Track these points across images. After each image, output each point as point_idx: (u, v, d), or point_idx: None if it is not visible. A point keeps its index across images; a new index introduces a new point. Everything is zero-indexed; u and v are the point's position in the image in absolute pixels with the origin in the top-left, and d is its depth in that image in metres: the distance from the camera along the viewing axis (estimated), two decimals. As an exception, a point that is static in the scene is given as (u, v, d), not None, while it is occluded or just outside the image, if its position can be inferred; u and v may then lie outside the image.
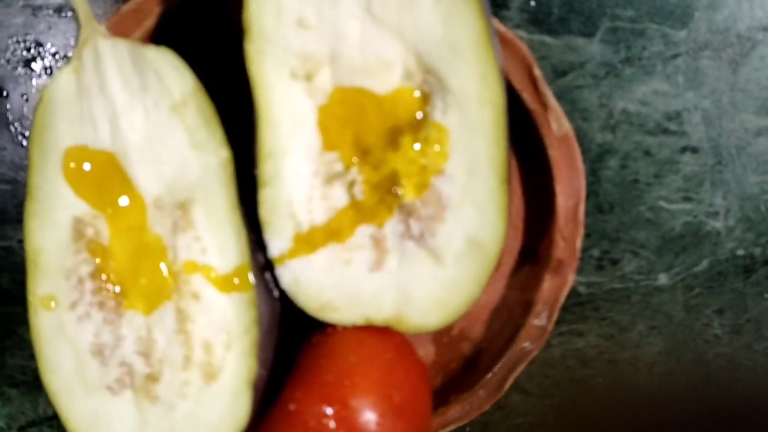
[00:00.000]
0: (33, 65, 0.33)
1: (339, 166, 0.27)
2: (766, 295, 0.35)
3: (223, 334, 0.27)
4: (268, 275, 0.29)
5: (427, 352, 0.35)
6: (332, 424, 0.27)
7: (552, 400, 0.36)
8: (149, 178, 0.28)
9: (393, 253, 0.28)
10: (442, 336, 0.35)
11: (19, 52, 0.33)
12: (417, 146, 0.27)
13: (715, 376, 0.36)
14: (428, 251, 0.28)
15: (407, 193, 0.27)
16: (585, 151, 0.34)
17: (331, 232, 0.28)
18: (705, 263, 0.35)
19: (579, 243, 0.32)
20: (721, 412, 0.36)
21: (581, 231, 0.32)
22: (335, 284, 0.28)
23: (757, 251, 0.35)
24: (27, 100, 0.33)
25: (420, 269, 0.28)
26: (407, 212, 0.28)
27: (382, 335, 0.29)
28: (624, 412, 0.36)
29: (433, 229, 0.27)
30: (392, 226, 0.28)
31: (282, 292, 0.29)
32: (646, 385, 0.36)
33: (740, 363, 0.36)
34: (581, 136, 0.33)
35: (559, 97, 0.33)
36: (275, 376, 0.30)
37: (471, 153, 0.26)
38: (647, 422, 0.36)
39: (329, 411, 0.27)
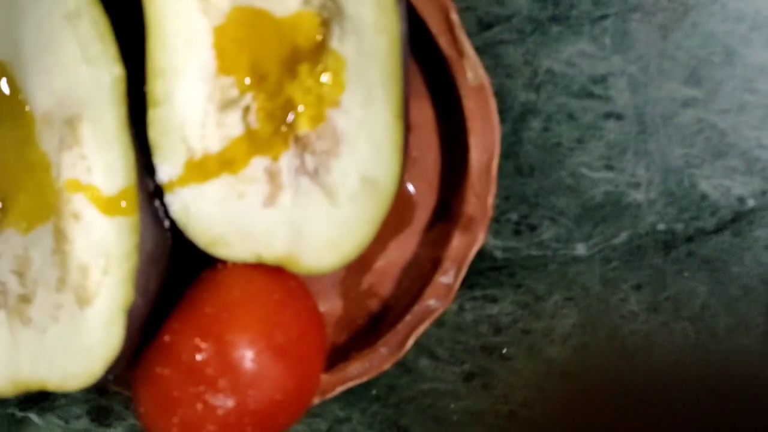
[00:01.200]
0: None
1: (234, 92, 0.26)
2: (686, 274, 0.34)
3: (102, 259, 0.26)
4: (158, 203, 0.28)
5: (333, 306, 0.34)
6: (203, 357, 0.26)
7: (461, 367, 0.35)
8: (39, 90, 0.27)
9: (287, 188, 0.27)
10: (349, 291, 0.34)
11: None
12: (314, 75, 0.26)
13: (631, 352, 0.35)
14: (322, 188, 0.27)
15: (303, 124, 0.26)
16: (507, 110, 0.33)
17: (224, 162, 0.27)
18: (624, 236, 0.34)
19: (491, 200, 0.31)
20: (635, 390, 0.35)
21: (494, 188, 0.31)
22: (227, 218, 0.27)
23: (679, 227, 0.34)
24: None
25: (314, 207, 0.27)
26: (303, 145, 0.27)
27: (274, 275, 0.29)
28: (535, 383, 0.35)
29: (327, 164, 0.27)
30: (287, 159, 0.27)
31: (174, 224, 0.28)
32: (559, 357, 0.35)
33: (656, 341, 0.35)
34: (504, 94, 0.32)
35: (483, 51, 0.32)
36: (163, 310, 0.29)
37: (366, 85, 0.25)
38: (558, 394, 0.35)
39: (202, 345, 0.26)
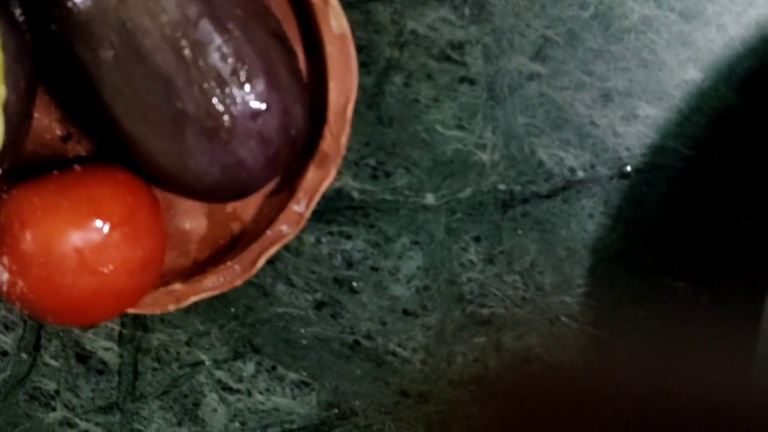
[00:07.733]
0: None
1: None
2: (519, 232, 0.38)
3: None
4: (14, 8, 0.30)
5: (199, 225, 0.37)
6: (18, 229, 0.29)
7: (314, 296, 0.39)
8: None
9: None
10: (215, 212, 0.37)
11: None
12: None
13: (466, 299, 0.39)
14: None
15: None
16: (373, 63, 0.36)
17: None
18: (469, 191, 0.38)
19: (345, 140, 0.35)
20: (467, 332, 0.39)
21: (348, 129, 0.34)
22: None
23: (517, 189, 0.38)
24: None
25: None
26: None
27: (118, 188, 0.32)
28: (379, 317, 0.39)
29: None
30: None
31: (32, 28, 0.31)
32: (402, 296, 0.39)
33: (490, 291, 0.39)
34: (371, 48, 0.36)
35: (355, 7, 0.35)
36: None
37: None
38: (398, 329, 0.39)
39: (23, 221, 0.29)
